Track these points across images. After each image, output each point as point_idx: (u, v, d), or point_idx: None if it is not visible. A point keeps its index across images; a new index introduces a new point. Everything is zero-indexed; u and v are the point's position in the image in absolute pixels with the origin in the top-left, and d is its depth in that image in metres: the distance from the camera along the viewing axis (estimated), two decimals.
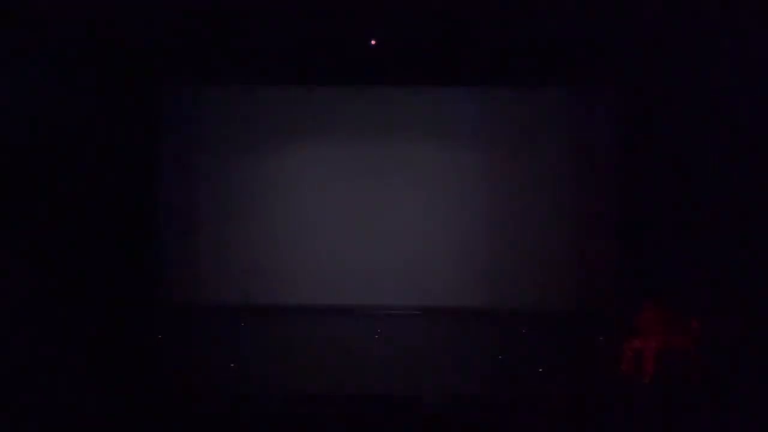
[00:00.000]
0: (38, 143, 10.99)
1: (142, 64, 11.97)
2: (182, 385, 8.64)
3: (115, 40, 11.37)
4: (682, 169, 11.51)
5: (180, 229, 13.53)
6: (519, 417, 7.47)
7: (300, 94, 13.58)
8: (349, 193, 13.81)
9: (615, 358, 9.76)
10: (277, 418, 7.44)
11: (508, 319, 11.69)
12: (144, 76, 12.25)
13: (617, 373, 9.12)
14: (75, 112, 11.47)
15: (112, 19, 10.89)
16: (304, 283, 12.41)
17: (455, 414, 7.61)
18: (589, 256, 13.12)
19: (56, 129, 11.23)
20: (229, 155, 13.82)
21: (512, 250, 12.96)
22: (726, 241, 10.72)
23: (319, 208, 13.74)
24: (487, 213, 13.73)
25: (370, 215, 13.62)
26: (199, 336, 11.50)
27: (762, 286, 10.00)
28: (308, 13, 10.92)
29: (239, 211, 13.78)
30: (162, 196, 13.20)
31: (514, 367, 9.65)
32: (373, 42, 11.53)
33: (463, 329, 11.41)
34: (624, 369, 8.93)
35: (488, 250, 13.27)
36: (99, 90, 11.72)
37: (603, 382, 8.74)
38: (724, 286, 10.59)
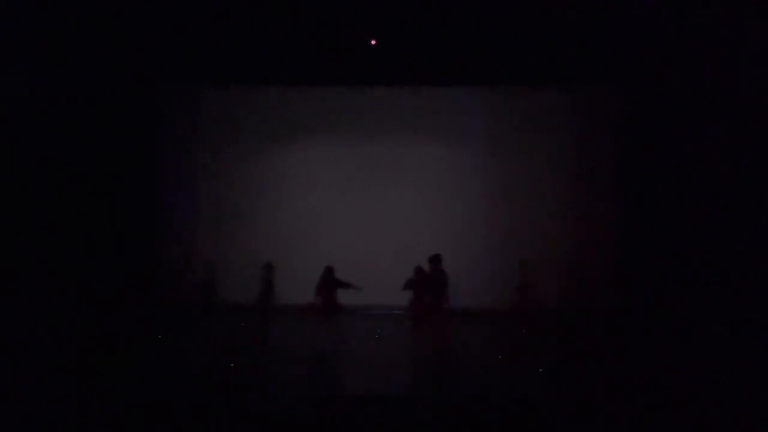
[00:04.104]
0: (38, 143, 10.98)
1: (142, 64, 11.96)
2: (183, 385, 8.63)
3: (116, 41, 11.36)
4: (682, 168, 11.50)
5: (180, 229, 13.54)
6: (519, 417, 7.47)
7: (300, 94, 13.59)
8: (348, 192, 13.82)
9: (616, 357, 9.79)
10: (277, 418, 7.43)
11: (508, 319, 11.68)
12: (144, 76, 12.24)
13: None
14: (75, 112, 11.46)
15: (113, 19, 10.90)
16: (304, 283, 12.36)
17: (455, 414, 7.60)
18: (589, 256, 13.13)
19: (56, 129, 11.23)
20: (229, 155, 13.83)
21: (512, 250, 12.95)
22: (726, 240, 10.71)
23: (318, 208, 13.75)
24: (487, 213, 13.74)
25: (369, 215, 13.63)
26: (199, 336, 11.50)
27: (762, 285, 10.00)
28: (308, 14, 10.93)
29: (239, 211, 13.79)
30: (162, 196, 13.19)
31: (514, 367, 9.65)
32: (373, 42, 11.53)
33: (463, 329, 11.40)
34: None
35: (488, 249, 13.27)
36: (99, 90, 11.72)
37: (603, 382, 8.74)
38: (724, 285, 10.59)
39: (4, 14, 10.01)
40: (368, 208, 13.64)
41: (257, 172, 13.85)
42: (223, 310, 11.63)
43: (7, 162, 10.53)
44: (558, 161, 13.55)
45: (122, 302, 11.53)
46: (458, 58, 11.83)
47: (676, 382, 8.45)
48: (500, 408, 7.81)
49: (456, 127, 13.80)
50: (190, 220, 13.68)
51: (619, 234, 12.70)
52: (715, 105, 10.82)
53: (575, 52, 11.68)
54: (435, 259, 10.21)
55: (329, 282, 10.66)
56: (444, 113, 13.76)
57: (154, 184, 12.92)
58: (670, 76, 11.55)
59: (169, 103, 13.43)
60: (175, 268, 13.15)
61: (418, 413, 7.71)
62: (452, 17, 10.99)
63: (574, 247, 13.25)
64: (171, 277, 13.06)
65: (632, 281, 12.12)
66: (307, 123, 13.80)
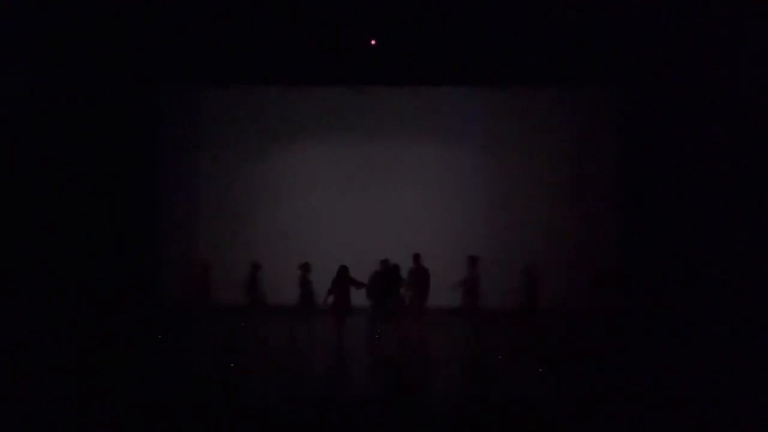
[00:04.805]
0: (38, 143, 10.98)
1: (142, 64, 11.97)
2: (182, 385, 8.64)
3: (116, 41, 11.37)
4: (682, 168, 11.50)
5: (180, 229, 13.54)
6: (519, 417, 7.46)
7: (300, 94, 13.59)
8: (348, 192, 13.82)
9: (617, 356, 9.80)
10: (277, 418, 7.43)
11: (508, 319, 11.69)
12: (144, 76, 12.25)
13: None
14: (75, 112, 11.46)
15: (113, 19, 10.90)
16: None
17: (455, 414, 7.60)
18: (589, 255, 13.12)
19: (56, 129, 11.23)
20: (229, 155, 13.83)
21: (511, 250, 12.95)
22: (726, 240, 10.71)
23: (318, 208, 13.75)
24: (487, 213, 13.74)
25: (369, 215, 13.62)
26: (199, 336, 11.50)
27: (762, 285, 10.00)
28: (308, 14, 10.94)
29: (239, 211, 13.79)
30: (162, 196, 13.19)
31: (514, 367, 9.65)
32: (373, 42, 11.54)
33: (464, 329, 11.40)
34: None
35: (487, 249, 13.25)
36: (99, 90, 11.72)
37: (603, 382, 8.74)
38: (724, 285, 10.59)
39: (4, 14, 10.01)
40: (368, 208, 13.64)
41: (257, 172, 13.85)
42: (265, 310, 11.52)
43: (7, 162, 10.53)
44: (558, 161, 13.54)
45: (122, 302, 11.52)
46: (458, 58, 11.84)
47: (676, 382, 8.45)
48: (499, 408, 7.82)
49: (456, 127, 13.79)
50: (190, 220, 13.68)
51: (620, 234, 12.69)
52: (715, 105, 10.82)
53: (575, 52, 11.68)
54: (415, 258, 11.10)
55: (343, 281, 10.68)
56: (444, 113, 13.75)
57: (154, 184, 12.92)
58: (670, 76, 11.54)
59: (169, 103, 13.42)
60: (175, 268, 13.15)
61: (412, 412, 7.72)
62: (452, 17, 10.99)
63: (574, 246, 13.25)
64: (171, 277, 13.06)
65: (632, 281, 12.11)
66: (307, 123, 13.80)
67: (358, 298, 11.02)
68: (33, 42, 10.57)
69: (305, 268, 10.96)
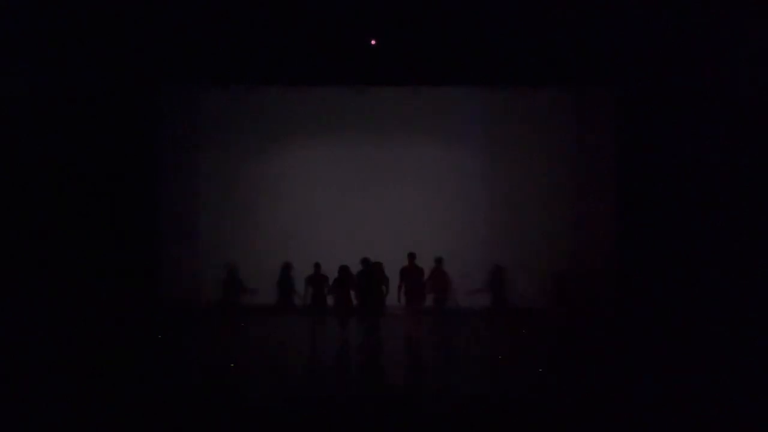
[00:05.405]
0: (38, 143, 10.99)
1: (142, 64, 11.97)
2: (182, 385, 8.65)
3: (116, 41, 11.37)
4: (682, 169, 11.51)
5: (180, 229, 13.54)
6: (519, 417, 7.47)
7: (300, 94, 13.59)
8: (348, 192, 13.83)
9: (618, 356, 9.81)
10: (277, 419, 7.44)
11: (508, 319, 11.69)
12: (144, 76, 12.25)
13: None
14: (75, 112, 11.46)
15: (113, 19, 10.91)
16: (302, 283, 12.38)
17: (455, 414, 7.61)
18: (589, 255, 13.12)
19: (56, 129, 11.23)
20: (229, 155, 13.83)
21: (512, 250, 12.95)
22: (725, 240, 10.72)
23: (318, 208, 13.76)
24: (487, 212, 13.75)
25: (369, 215, 13.63)
26: (199, 336, 11.50)
27: (762, 285, 10.01)
28: (308, 14, 10.94)
29: (239, 211, 13.80)
30: (162, 196, 13.19)
31: (514, 367, 9.67)
32: (373, 42, 11.55)
33: (464, 329, 11.42)
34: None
35: (488, 249, 13.26)
36: (99, 90, 11.72)
37: (603, 382, 8.75)
38: (724, 285, 10.59)
39: (4, 14, 10.02)
40: (368, 208, 13.65)
41: (257, 172, 13.85)
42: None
43: (7, 162, 10.53)
44: (558, 161, 13.55)
45: (122, 302, 11.53)
46: (458, 58, 11.84)
47: (676, 382, 8.45)
48: (499, 408, 7.82)
49: (456, 127, 13.81)
50: (190, 220, 13.69)
51: (620, 234, 12.70)
52: (715, 105, 10.83)
53: (575, 52, 11.69)
54: (410, 257, 11.23)
55: (345, 281, 10.69)
56: (444, 113, 13.77)
57: (154, 184, 12.91)
58: (670, 76, 11.55)
59: (169, 103, 13.42)
60: (175, 268, 13.15)
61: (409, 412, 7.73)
62: (452, 17, 11.00)
63: (574, 247, 13.25)
64: (171, 277, 13.06)
65: (632, 281, 12.11)
66: (307, 123, 13.81)
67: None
68: (33, 42, 10.58)
69: (316, 266, 10.99)
